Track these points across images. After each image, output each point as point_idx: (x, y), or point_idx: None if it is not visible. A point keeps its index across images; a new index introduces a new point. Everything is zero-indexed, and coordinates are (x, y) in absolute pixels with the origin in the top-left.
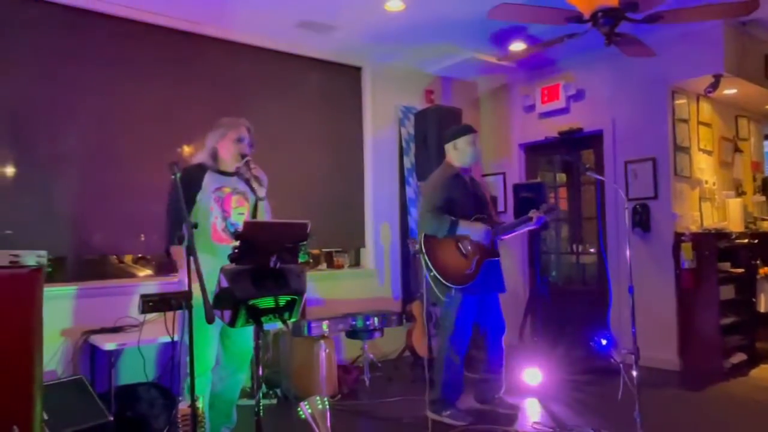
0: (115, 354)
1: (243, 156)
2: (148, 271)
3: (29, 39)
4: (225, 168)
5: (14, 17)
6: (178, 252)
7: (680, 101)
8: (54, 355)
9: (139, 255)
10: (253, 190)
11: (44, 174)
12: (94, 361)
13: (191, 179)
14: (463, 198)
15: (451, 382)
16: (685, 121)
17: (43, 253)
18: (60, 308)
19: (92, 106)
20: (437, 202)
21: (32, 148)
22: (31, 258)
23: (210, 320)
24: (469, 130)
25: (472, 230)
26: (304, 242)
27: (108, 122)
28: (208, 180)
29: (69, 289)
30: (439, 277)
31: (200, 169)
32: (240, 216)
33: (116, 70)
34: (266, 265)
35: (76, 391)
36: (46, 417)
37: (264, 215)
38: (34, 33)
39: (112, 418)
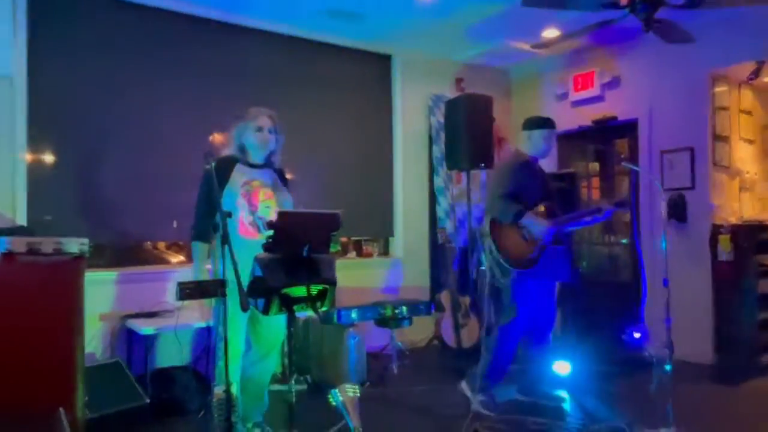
0: (152, 338)
1: (265, 147)
2: (181, 258)
3: (70, 31)
4: (253, 160)
5: (55, 9)
6: (199, 246)
7: (720, 89)
8: (93, 338)
9: (172, 241)
10: (284, 181)
11: (84, 162)
12: (131, 344)
13: (221, 171)
14: (531, 185)
15: (498, 365)
16: (726, 109)
17: (86, 240)
18: (99, 293)
19: (129, 96)
20: (507, 188)
21: (74, 137)
22: (74, 245)
23: (245, 308)
24: (547, 124)
25: (535, 224)
26: (336, 232)
27: (143, 111)
28: (237, 172)
29: (108, 275)
30: (501, 259)
31: (231, 161)
32: (267, 210)
33: (151, 60)
34: (299, 255)
35: (114, 373)
36: (86, 398)
37: (290, 206)
38: (74, 25)
39: (148, 401)
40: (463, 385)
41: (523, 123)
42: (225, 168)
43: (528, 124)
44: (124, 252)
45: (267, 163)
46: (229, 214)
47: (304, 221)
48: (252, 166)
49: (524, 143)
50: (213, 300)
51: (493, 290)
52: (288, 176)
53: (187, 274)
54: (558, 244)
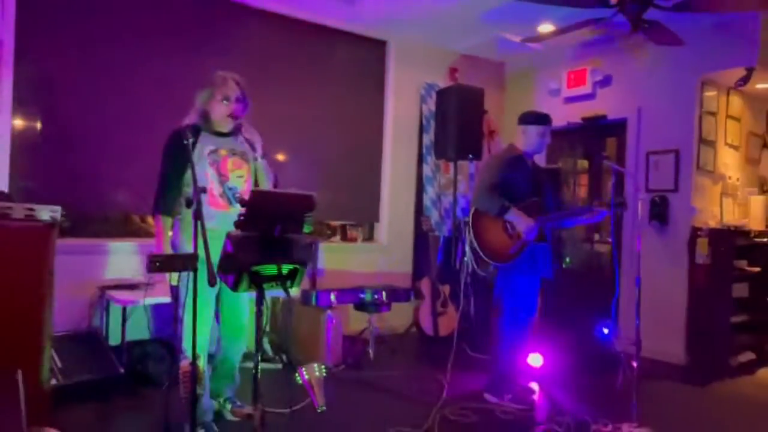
0: (129, 310)
1: (233, 117)
2: (170, 233)
3: (54, 3)
4: (219, 128)
5: None
6: (163, 220)
7: (709, 93)
8: (70, 307)
9: None
10: (253, 148)
11: (69, 132)
12: (109, 315)
13: (180, 142)
14: (520, 179)
15: (511, 364)
16: (713, 114)
17: (57, 208)
18: (78, 263)
19: (117, 67)
20: (493, 180)
21: (59, 108)
22: (46, 213)
23: (212, 283)
24: (543, 120)
25: (520, 221)
26: (310, 213)
27: (134, 84)
28: (203, 142)
29: (87, 245)
30: (479, 251)
31: (193, 131)
32: (239, 179)
33: (141, 33)
34: (271, 234)
35: (90, 342)
36: (59, 365)
37: (264, 176)
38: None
39: (122, 371)
40: (488, 398)
41: (519, 117)
42: (186, 138)
43: (523, 119)
44: (110, 224)
45: (233, 131)
46: (204, 190)
47: (277, 201)
48: (217, 134)
49: (519, 138)
50: (179, 274)
51: (474, 281)
52: (258, 148)
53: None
54: (542, 241)
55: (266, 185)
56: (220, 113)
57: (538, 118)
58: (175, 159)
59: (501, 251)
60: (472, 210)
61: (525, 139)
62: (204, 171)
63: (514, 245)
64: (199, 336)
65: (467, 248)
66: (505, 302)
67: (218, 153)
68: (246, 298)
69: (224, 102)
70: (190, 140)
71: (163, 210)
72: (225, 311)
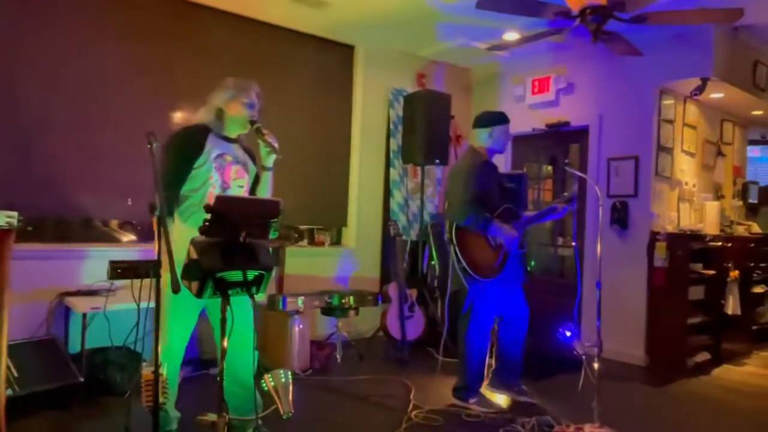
0: (89, 317)
1: (252, 123)
2: (132, 237)
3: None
4: (228, 133)
5: None
6: (163, 221)
7: (667, 102)
8: (27, 314)
9: (125, 220)
10: (253, 159)
11: (28, 134)
12: (68, 322)
13: (193, 141)
14: (492, 187)
15: (476, 369)
16: (671, 122)
17: (14, 214)
18: (37, 268)
19: (81, 68)
20: (471, 195)
21: (17, 108)
22: (2, 218)
23: (176, 290)
24: (506, 119)
25: (502, 233)
26: (275, 219)
27: (98, 85)
28: (211, 144)
29: (47, 250)
30: (468, 268)
31: (203, 131)
32: (239, 189)
33: (106, 32)
34: (236, 239)
35: (48, 351)
36: (16, 374)
37: (268, 188)
38: None
39: (82, 379)
40: (455, 401)
41: (479, 120)
42: (196, 138)
43: (486, 121)
44: (71, 228)
45: (237, 139)
46: (168, 197)
47: (242, 206)
48: (224, 138)
49: (482, 140)
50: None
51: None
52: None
53: (131, 254)
54: (520, 248)
55: (265, 196)
56: (241, 115)
57: (502, 117)
58: (182, 157)
59: (487, 265)
60: (452, 226)
61: (492, 141)
62: (208, 174)
63: (498, 258)
64: (174, 344)
65: (454, 266)
66: (476, 309)
67: (224, 158)
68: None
69: (246, 107)
70: (153, 144)
71: (164, 211)
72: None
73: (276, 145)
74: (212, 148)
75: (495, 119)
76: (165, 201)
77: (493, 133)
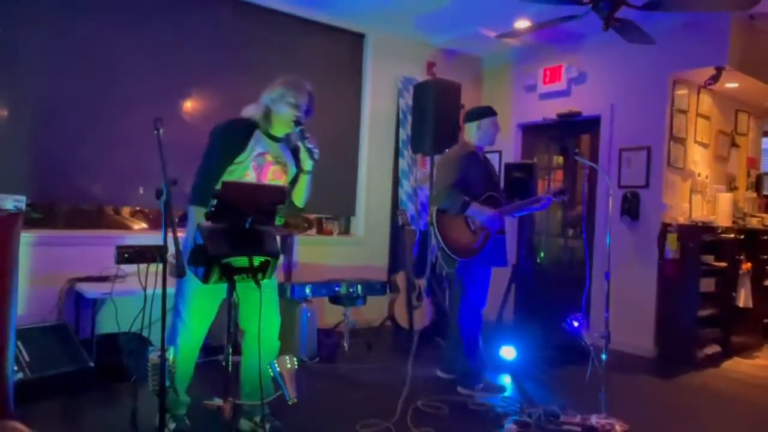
0: (99, 302)
1: (297, 123)
2: (144, 225)
3: None
4: (275, 132)
5: None
6: (197, 211)
7: (681, 92)
8: (39, 299)
9: (137, 208)
10: (297, 161)
11: (39, 123)
12: (79, 308)
13: (237, 135)
14: (478, 176)
15: (474, 353)
16: (684, 112)
17: (22, 198)
18: (49, 254)
19: (92, 55)
20: (453, 179)
21: (31, 95)
22: (9, 202)
23: (180, 274)
24: (493, 111)
25: (480, 213)
26: (281, 205)
27: (109, 72)
28: (255, 141)
29: (60, 236)
30: (446, 249)
31: (249, 127)
32: None
33: (117, 19)
34: (242, 226)
35: (59, 336)
36: (27, 359)
37: (305, 191)
38: None
39: (92, 365)
40: (460, 390)
41: (468, 115)
42: (242, 133)
43: (475, 115)
44: (83, 216)
45: (284, 138)
46: (175, 182)
47: (248, 193)
48: (270, 136)
49: (471, 134)
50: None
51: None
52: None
53: (144, 240)
54: (501, 233)
55: (302, 200)
56: (286, 116)
57: (489, 110)
58: (228, 149)
59: (467, 247)
60: (434, 210)
61: (480, 133)
62: (245, 171)
63: (479, 239)
64: (194, 327)
65: (435, 248)
66: (467, 293)
67: (264, 158)
68: (272, 292)
69: (293, 107)
70: (160, 130)
71: (201, 201)
72: (248, 309)
73: (316, 150)
74: (255, 145)
75: (481, 112)
76: (209, 191)
77: (481, 126)
